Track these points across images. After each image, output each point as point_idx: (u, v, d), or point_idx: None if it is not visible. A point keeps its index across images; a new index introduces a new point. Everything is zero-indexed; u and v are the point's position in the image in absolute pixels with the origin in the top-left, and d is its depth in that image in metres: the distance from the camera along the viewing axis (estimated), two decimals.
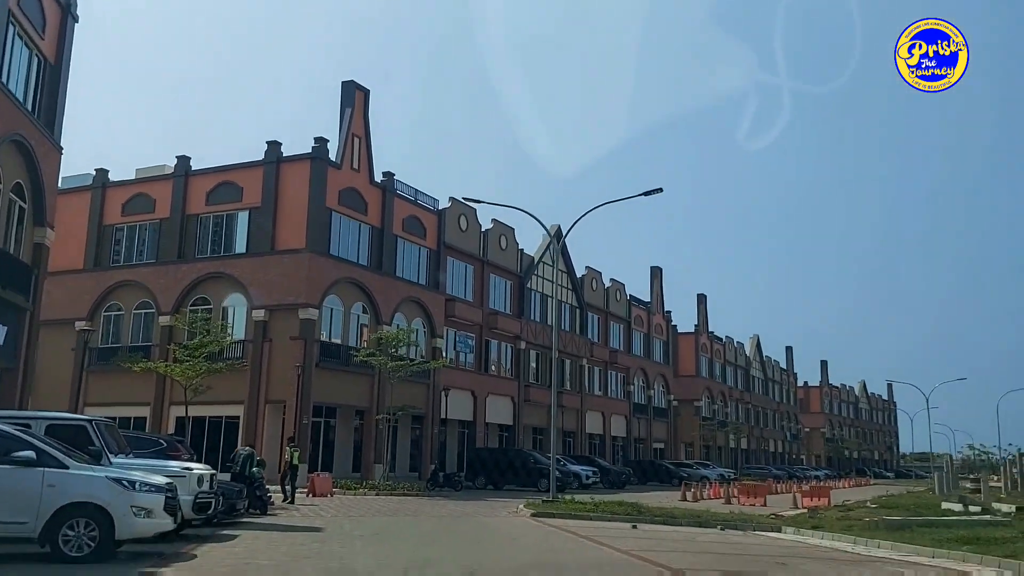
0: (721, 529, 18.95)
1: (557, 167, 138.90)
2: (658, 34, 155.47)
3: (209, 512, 14.53)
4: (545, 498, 23.97)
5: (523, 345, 48.86)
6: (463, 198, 34.58)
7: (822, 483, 50.84)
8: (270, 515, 19.61)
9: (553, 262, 52.44)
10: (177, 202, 37.79)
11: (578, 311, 56.47)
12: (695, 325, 79.41)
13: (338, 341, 35.37)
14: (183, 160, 38.36)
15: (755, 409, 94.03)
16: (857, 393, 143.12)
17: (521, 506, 23.23)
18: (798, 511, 25.94)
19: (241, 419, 33.75)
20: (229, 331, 33.87)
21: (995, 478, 52.17)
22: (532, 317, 50.51)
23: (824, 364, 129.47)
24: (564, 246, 54.14)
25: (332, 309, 35.35)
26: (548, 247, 52.90)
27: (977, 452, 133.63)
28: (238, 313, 35.25)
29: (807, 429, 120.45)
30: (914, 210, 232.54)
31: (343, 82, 37.26)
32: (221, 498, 15.34)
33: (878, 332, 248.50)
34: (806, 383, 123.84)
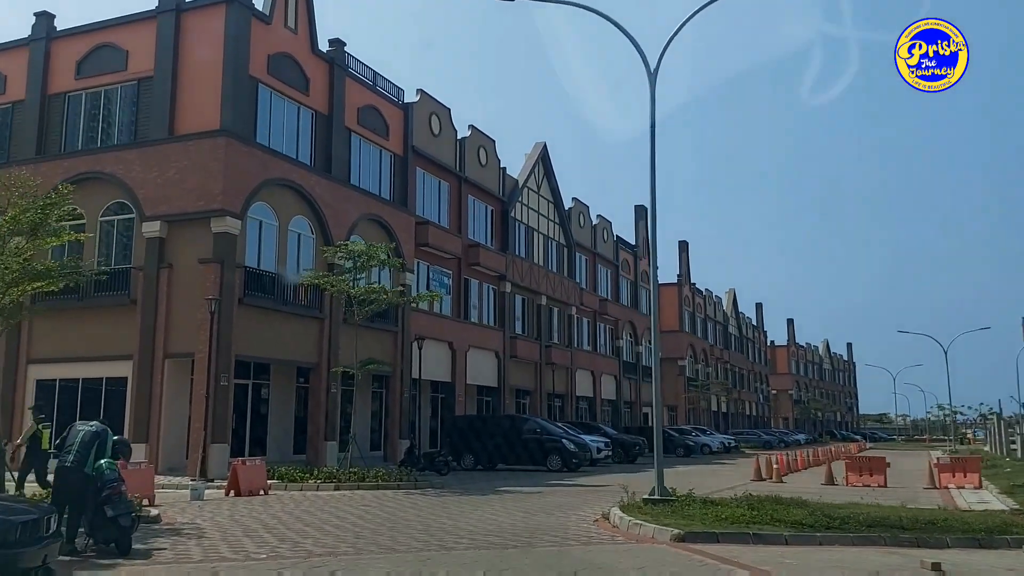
0: None
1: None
2: None
3: None
4: (646, 495, 14.12)
5: (508, 287, 38.94)
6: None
7: (843, 449, 42.64)
8: (129, 561, 9.43)
9: (538, 187, 42.52)
10: (35, 77, 26.55)
11: (566, 250, 46.73)
12: (677, 275, 70.62)
13: (271, 269, 24.88)
14: (44, 19, 27.05)
15: (733, 369, 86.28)
16: (821, 353, 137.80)
17: (616, 511, 13.30)
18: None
19: (129, 382, 23.15)
20: (98, 251, 23.13)
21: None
22: (518, 253, 40.55)
23: (791, 323, 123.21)
24: (550, 170, 44.19)
25: (262, 223, 24.79)
26: (534, 169, 42.87)
27: (947, 412, 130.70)
28: (122, 229, 24.41)
29: (774, 391, 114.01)
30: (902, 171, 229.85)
31: None
32: None
33: (840, 290, 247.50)
34: (773, 342, 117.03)
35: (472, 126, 37.02)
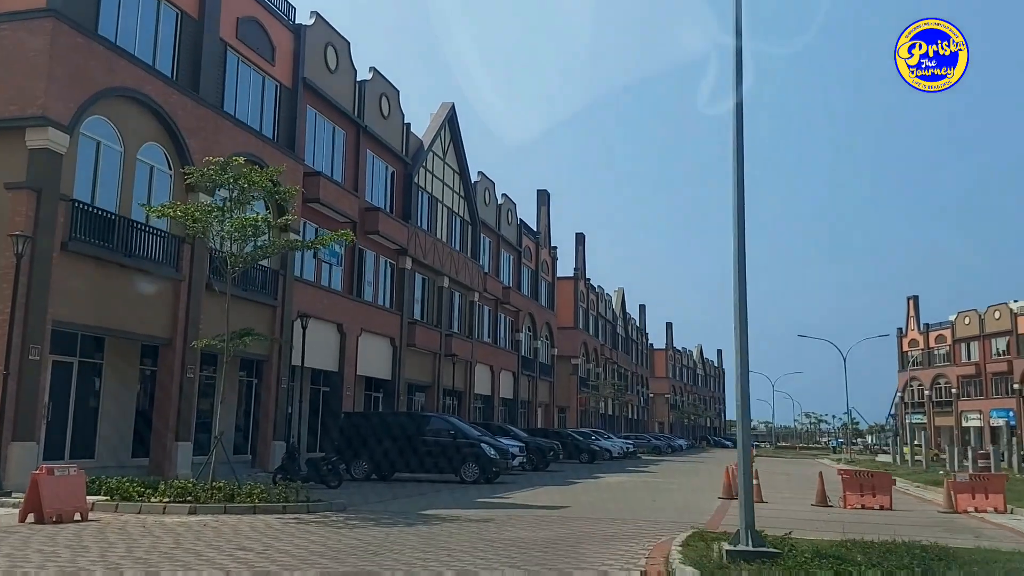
0: None
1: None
2: None
3: None
4: (727, 545, 8.94)
5: (408, 264, 33.33)
6: None
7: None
8: None
9: (443, 153, 37.17)
10: None
11: (470, 229, 41.51)
12: (574, 269, 66.77)
13: (111, 208, 18.44)
14: None
15: (620, 370, 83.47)
16: (695, 358, 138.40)
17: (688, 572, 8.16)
18: None
19: None
20: None
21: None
22: (420, 225, 34.99)
23: (669, 326, 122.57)
24: (457, 135, 38.92)
25: (101, 144, 18.33)
26: (440, 132, 37.43)
27: (813, 420, 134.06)
28: None
29: (652, 395, 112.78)
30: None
31: None
32: None
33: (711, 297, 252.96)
34: (652, 345, 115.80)
35: (374, 69, 31.23)
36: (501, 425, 33.94)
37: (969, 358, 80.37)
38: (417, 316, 34.80)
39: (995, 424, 75.17)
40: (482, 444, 22.97)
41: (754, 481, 18.85)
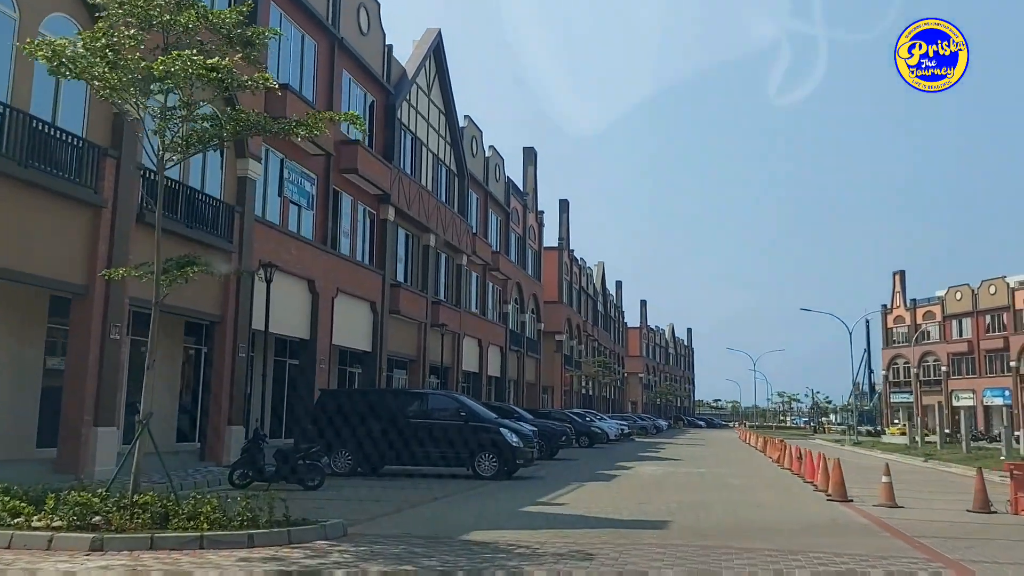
0: None
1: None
2: None
3: None
4: None
5: (391, 214, 27.99)
6: None
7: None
8: None
9: (428, 88, 31.84)
10: None
11: (457, 182, 36.23)
12: (559, 238, 61.80)
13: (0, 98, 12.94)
14: None
15: (600, 348, 78.92)
16: (667, 337, 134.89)
17: None
18: None
19: None
20: None
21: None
22: (403, 169, 29.63)
23: (644, 304, 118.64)
24: (444, 70, 33.57)
25: None
26: (424, 63, 32.02)
27: (785, 400, 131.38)
28: None
29: (627, 374, 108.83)
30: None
31: None
32: None
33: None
34: (626, 324, 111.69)
35: None
36: (503, 405, 28.91)
37: (961, 335, 77.33)
38: (401, 279, 29.53)
39: (989, 403, 72.48)
40: (502, 429, 17.94)
41: (884, 479, 14.20)
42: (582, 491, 15.55)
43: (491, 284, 41.54)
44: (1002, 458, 30.75)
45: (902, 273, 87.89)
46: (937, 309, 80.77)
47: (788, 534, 10.38)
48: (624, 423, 49.24)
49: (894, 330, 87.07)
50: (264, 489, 14.56)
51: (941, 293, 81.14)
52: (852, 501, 14.48)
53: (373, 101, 27.55)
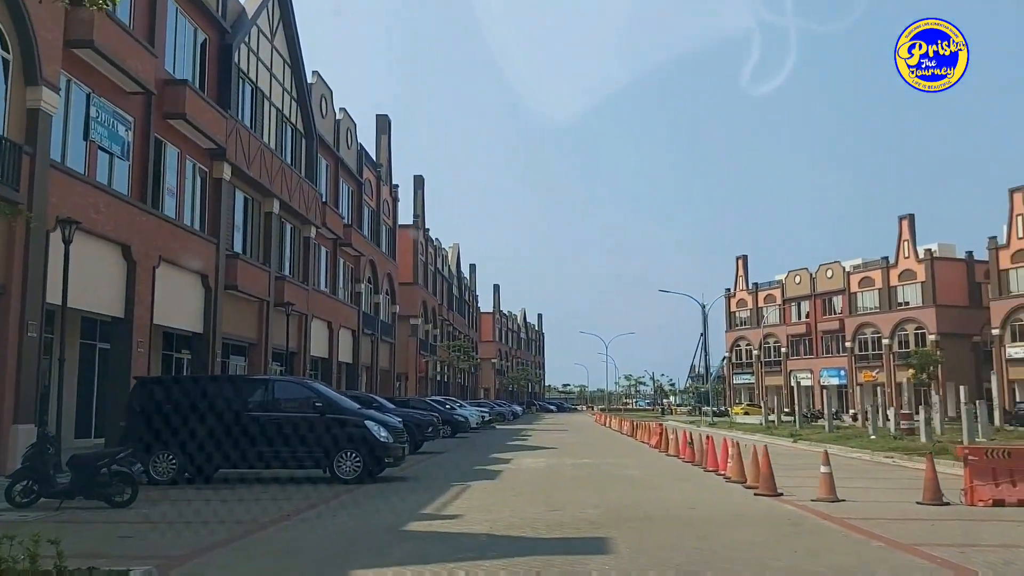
0: None
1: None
2: None
3: None
4: None
5: (227, 173, 23.96)
6: None
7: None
8: None
9: (271, 33, 27.99)
10: None
11: (305, 144, 32.30)
12: (414, 216, 58.55)
13: None
14: None
15: (455, 333, 76.39)
16: (519, 322, 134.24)
17: None
18: None
19: None
20: None
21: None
22: (239, 118, 25.55)
23: (497, 288, 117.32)
24: (290, 14, 29.70)
25: None
26: (267, 2, 28.01)
27: (632, 382, 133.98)
28: None
29: (480, 359, 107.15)
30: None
31: None
32: None
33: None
34: (479, 308, 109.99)
35: None
36: (360, 395, 25.62)
37: (800, 317, 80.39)
38: (239, 249, 25.56)
39: (825, 383, 75.65)
40: (367, 422, 14.82)
41: (824, 470, 12.26)
42: (471, 495, 12.74)
43: (343, 261, 37.87)
44: (872, 437, 30.64)
45: (744, 258, 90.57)
46: (777, 292, 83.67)
47: (764, 548, 8.03)
48: (484, 410, 46.88)
49: (737, 313, 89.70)
50: (56, 508, 10.98)
51: (781, 277, 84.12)
52: (782, 495, 12.51)
53: (205, 39, 23.38)
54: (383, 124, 47.55)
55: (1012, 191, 56.94)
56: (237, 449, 14.52)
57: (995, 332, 57.95)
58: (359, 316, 39.57)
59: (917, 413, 34.52)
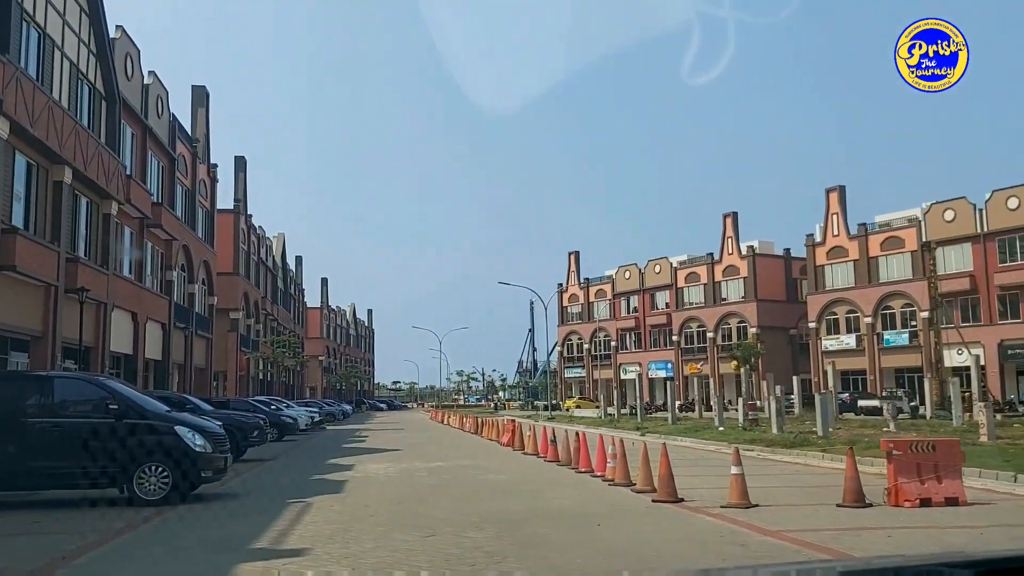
0: None
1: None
2: None
3: None
4: None
5: (4, 130, 19.66)
6: None
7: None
8: None
9: None
10: None
11: (105, 107, 27.84)
12: (235, 200, 53.83)
13: None
14: None
15: (280, 328, 71.61)
16: (348, 318, 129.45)
17: None
18: None
19: None
20: None
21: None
22: (25, 69, 21.16)
23: (325, 282, 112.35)
24: None
25: None
26: None
27: (464, 378, 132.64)
28: None
29: (307, 356, 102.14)
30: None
31: None
32: None
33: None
34: (306, 303, 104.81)
35: None
36: (171, 395, 21.99)
37: (629, 311, 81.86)
38: (19, 223, 21.22)
39: (653, 376, 77.33)
40: (179, 428, 11.83)
41: (735, 471, 10.70)
42: (316, 517, 10.14)
43: (151, 244, 33.40)
44: (720, 428, 30.33)
45: (576, 253, 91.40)
46: (608, 287, 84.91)
47: None
48: (313, 410, 43.53)
49: (568, 308, 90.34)
50: None
51: (611, 272, 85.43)
52: (683, 501, 10.85)
53: None
54: (200, 96, 42.90)
55: (828, 191, 60.20)
56: (2, 466, 11.14)
57: (812, 325, 61.04)
58: (170, 307, 35.16)
59: (757, 403, 35.00)
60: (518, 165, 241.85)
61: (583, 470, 15.36)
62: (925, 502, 9.93)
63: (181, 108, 39.74)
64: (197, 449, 11.82)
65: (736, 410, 34.48)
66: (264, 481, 15.32)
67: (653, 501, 10.96)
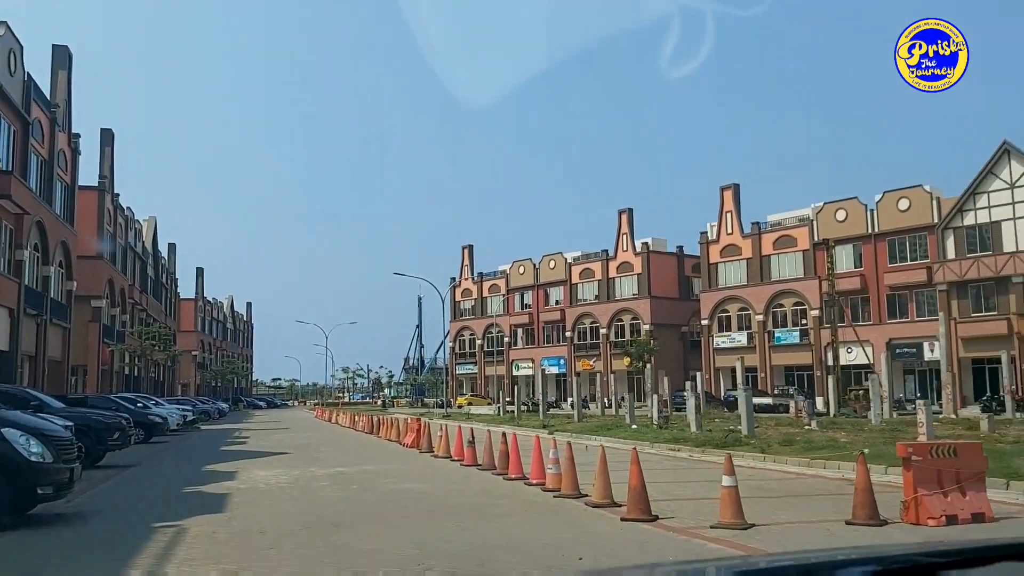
0: None
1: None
2: None
3: None
4: None
5: None
6: None
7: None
8: None
9: None
10: None
11: None
12: (99, 178, 48.77)
13: None
14: None
15: (148, 319, 66.18)
16: (226, 311, 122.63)
17: None
18: None
19: None
20: None
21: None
22: None
23: (200, 272, 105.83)
24: None
25: None
26: None
27: (350, 374, 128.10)
28: None
29: (179, 350, 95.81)
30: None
31: None
32: None
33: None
34: (179, 294, 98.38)
35: None
36: (9, 389, 18.45)
37: (523, 307, 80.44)
38: None
39: (546, 372, 76.16)
40: (6, 431, 8.96)
41: (727, 482, 8.79)
42: (193, 552, 7.56)
43: None
44: (633, 427, 28.81)
45: (470, 247, 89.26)
46: (502, 282, 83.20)
47: None
48: (186, 408, 39.68)
49: (461, 303, 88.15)
50: None
51: (506, 267, 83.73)
52: (659, 519, 8.89)
53: None
54: (61, 57, 38.20)
55: (723, 188, 60.40)
56: None
57: (704, 323, 61.13)
58: (20, 291, 30.83)
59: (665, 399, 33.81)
60: (428, 159, 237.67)
61: (514, 477, 13.28)
62: (951, 519, 8.30)
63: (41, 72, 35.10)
64: (31, 458, 9.00)
65: (631, 407, 33.09)
66: (124, 495, 12.46)
67: (623, 520, 8.94)
